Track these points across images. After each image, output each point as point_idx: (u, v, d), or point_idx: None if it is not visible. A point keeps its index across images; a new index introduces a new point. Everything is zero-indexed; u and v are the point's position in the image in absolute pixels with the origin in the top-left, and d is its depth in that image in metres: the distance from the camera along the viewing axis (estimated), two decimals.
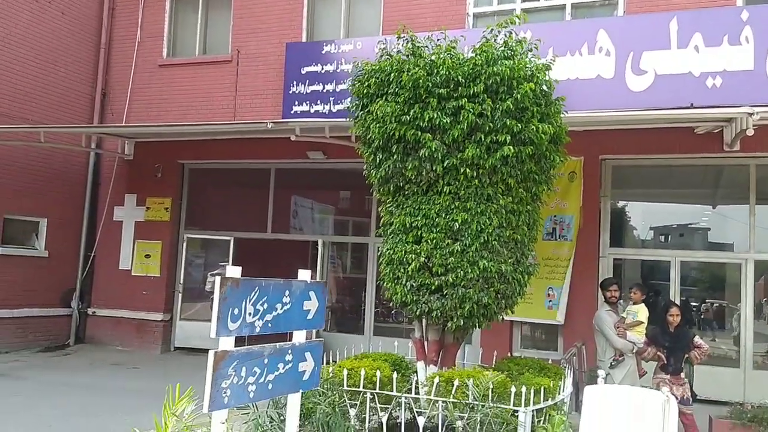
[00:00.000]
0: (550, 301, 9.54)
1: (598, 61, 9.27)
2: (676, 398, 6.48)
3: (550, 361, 6.70)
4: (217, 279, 3.17)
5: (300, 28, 11.32)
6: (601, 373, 4.44)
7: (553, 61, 6.42)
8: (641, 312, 6.73)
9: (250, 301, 3.33)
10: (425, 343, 6.14)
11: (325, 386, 5.08)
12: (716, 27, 8.76)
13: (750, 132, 7.15)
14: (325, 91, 10.53)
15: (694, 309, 10.18)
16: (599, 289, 7.66)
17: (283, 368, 3.60)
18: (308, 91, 10.67)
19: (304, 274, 3.95)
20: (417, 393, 5.49)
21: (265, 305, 3.45)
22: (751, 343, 9.05)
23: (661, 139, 9.17)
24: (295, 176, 12.27)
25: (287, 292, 3.65)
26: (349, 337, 10.31)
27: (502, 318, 6.18)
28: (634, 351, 6.69)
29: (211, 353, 3.19)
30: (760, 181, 9.25)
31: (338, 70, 10.41)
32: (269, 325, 3.50)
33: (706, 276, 10.36)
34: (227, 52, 11.72)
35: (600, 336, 6.87)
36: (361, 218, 12.10)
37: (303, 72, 10.73)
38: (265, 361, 3.47)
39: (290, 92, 10.79)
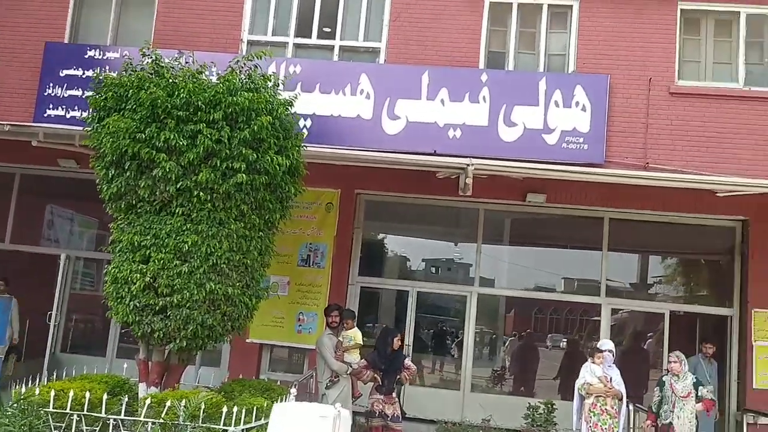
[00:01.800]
0: (300, 325, 9.90)
1: (359, 102, 9.95)
2: (388, 416, 7.12)
3: (279, 383, 6.98)
4: None
5: (63, 28, 10.66)
6: (293, 391, 4.77)
7: (296, 98, 6.82)
8: (357, 336, 7.32)
9: None
10: (150, 364, 6.08)
11: (22, 407, 4.81)
12: (460, 85, 9.86)
13: (468, 181, 8.12)
14: (84, 96, 9.96)
15: (430, 336, 11.19)
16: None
17: None
18: (66, 95, 10.08)
19: None
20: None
21: None
22: (471, 367, 10.16)
23: (409, 179, 9.93)
24: (48, 184, 11.38)
25: None
26: (88, 359, 9.67)
27: (230, 340, 6.33)
28: (348, 372, 7.21)
29: None
30: (486, 223, 10.51)
31: (101, 77, 9.95)
32: None
33: (443, 306, 11.42)
34: None
35: (320, 358, 7.31)
36: None
37: (62, 74, 10.12)
38: None
39: (45, 94, 10.10)
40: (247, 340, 9.75)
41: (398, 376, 7.18)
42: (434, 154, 9.44)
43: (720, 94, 9.83)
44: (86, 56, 10.14)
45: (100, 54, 10.13)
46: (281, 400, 6.03)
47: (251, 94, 5.92)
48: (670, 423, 7.13)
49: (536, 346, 11.11)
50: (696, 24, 10.26)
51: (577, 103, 9.73)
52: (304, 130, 9.85)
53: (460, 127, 9.81)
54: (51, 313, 10.07)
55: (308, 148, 8.25)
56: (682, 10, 10.09)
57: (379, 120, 9.90)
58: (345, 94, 9.98)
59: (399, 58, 10.33)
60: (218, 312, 5.81)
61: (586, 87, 9.74)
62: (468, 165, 7.68)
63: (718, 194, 9.37)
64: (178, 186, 5.66)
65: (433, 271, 11.43)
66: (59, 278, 10.41)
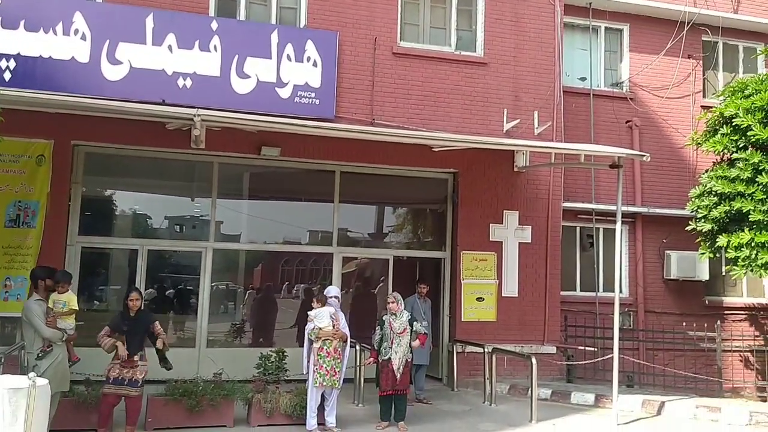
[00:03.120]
0: (6, 292, 8.87)
1: (73, 44, 9.04)
2: (125, 381, 6.73)
3: None
4: None
5: None
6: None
7: None
8: (72, 300, 6.76)
9: None
10: None
11: None
12: (189, 31, 9.43)
13: (197, 133, 7.84)
14: None
15: (166, 294, 10.74)
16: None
17: None
18: None
19: None
20: None
21: None
22: (207, 324, 10.02)
23: (136, 130, 9.22)
24: None
25: None
26: None
27: None
28: (63, 339, 6.66)
29: None
30: (222, 177, 10.30)
31: None
32: None
33: (180, 263, 10.99)
34: None
35: (28, 327, 6.61)
36: None
37: None
38: None
39: None
40: None
41: (155, 340, 6.91)
42: (162, 103, 8.94)
43: (436, 56, 10.74)
44: None
45: None
46: None
47: None
48: (389, 358, 7.77)
49: (274, 297, 11.30)
50: None
51: (308, 58, 9.90)
52: (7, 72, 8.74)
53: (190, 76, 9.43)
54: None
55: (8, 93, 7.32)
56: None
57: (98, 64, 9.11)
58: (56, 34, 9.00)
59: None
60: None
61: (317, 42, 9.95)
62: (194, 116, 7.37)
63: (434, 149, 10.31)
64: None
65: (169, 228, 10.93)
66: None
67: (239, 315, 11.10)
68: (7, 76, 8.73)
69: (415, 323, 7.99)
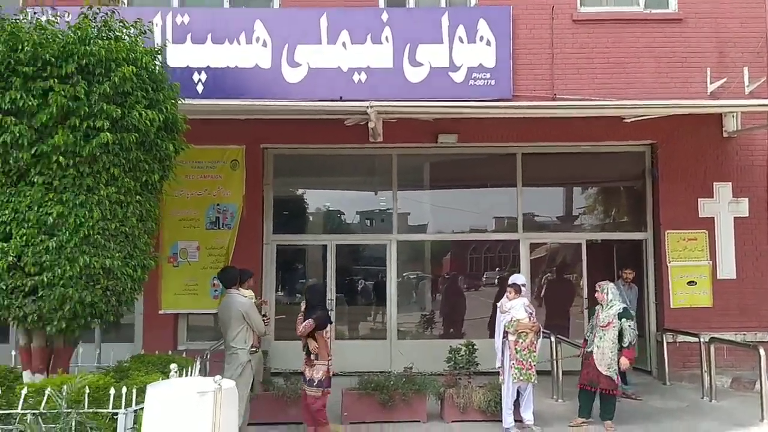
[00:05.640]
0: (215, 290, 9.45)
1: (255, 51, 9.36)
2: (306, 379, 6.74)
3: (184, 354, 6.56)
4: None
5: None
6: (173, 366, 4.39)
7: (165, 45, 6.22)
8: (254, 296, 7.03)
9: None
10: (32, 350, 5.56)
11: None
12: (361, 26, 9.39)
13: (372, 125, 7.74)
14: None
15: (355, 288, 10.91)
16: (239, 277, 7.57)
17: None
18: None
19: None
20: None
21: None
22: (396, 315, 9.99)
23: (318, 129, 9.47)
24: None
25: None
26: None
27: (117, 316, 5.83)
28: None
29: None
30: (401, 169, 10.21)
31: None
32: None
33: (366, 256, 11.10)
34: None
35: (239, 323, 6.69)
36: None
37: None
38: None
39: None
40: (160, 312, 9.29)
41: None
42: (341, 100, 8.99)
43: (622, 18, 9.71)
44: None
45: None
46: (182, 374, 5.67)
47: (108, 42, 5.31)
48: (591, 351, 7.09)
49: (461, 287, 10.99)
50: None
51: (481, 38, 9.42)
52: (200, 85, 9.31)
53: (364, 70, 9.38)
54: None
55: (203, 103, 7.77)
56: None
57: (279, 68, 9.37)
58: (240, 44, 9.38)
59: (294, 1, 9.75)
60: (98, 287, 5.29)
61: (490, 20, 9.42)
62: (368, 107, 7.29)
63: (625, 120, 9.34)
64: (33, 152, 5.06)
65: (354, 222, 11.11)
66: None
67: (427, 306, 10.95)
68: (200, 88, 9.28)
69: (623, 320, 7.10)
